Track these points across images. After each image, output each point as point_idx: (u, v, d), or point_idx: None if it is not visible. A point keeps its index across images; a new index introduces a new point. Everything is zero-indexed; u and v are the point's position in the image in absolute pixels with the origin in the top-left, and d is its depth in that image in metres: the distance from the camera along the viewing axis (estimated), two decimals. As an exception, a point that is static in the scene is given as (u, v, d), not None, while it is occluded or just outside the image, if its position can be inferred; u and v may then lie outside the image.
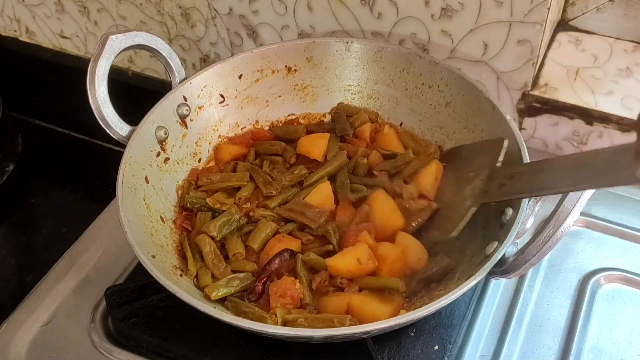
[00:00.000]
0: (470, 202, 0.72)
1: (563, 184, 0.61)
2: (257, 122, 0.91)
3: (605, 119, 0.85)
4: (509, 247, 0.64)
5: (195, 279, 0.74)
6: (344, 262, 0.72)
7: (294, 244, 0.76)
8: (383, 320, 0.61)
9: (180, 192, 0.83)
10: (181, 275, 0.73)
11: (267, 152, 0.86)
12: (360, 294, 0.71)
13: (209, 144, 0.88)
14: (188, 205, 0.81)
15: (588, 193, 0.60)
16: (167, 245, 0.76)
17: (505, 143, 0.72)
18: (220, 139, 0.88)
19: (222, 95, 0.87)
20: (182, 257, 0.77)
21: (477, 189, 0.72)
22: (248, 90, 0.89)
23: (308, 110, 0.91)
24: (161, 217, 0.78)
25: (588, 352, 0.72)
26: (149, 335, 0.75)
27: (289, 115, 0.91)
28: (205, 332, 0.74)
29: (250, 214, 0.80)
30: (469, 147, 0.80)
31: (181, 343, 0.74)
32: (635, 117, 0.83)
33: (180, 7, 0.98)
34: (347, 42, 0.87)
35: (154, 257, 0.70)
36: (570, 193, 0.60)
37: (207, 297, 0.72)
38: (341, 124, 0.87)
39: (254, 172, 0.83)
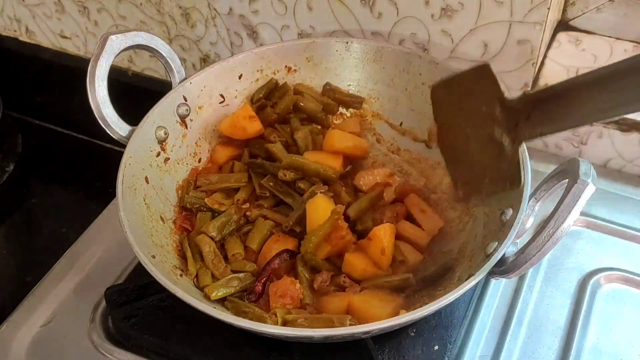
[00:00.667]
0: (510, 144, 0.66)
1: (607, 104, 0.54)
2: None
3: (605, 119, 0.85)
4: (509, 247, 0.64)
5: (195, 279, 0.74)
6: (362, 262, 0.73)
7: (291, 244, 0.76)
8: (383, 320, 0.61)
9: (180, 192, 0.83)
10: (181, 275, 0.73)
11: (261, 152, 0.86)
12: (360, 294, 0.71)
13: (209, 144, 0.88)
14: (187, 205, 0.81)
15: (588, 191, 0.60)
16: (167, 245, 0.76)
17: (492, 67, 0.67)
18: (220, 140, 0.88)
19: (222, 95, 0.87)
20: (182, 257, 0.77)
21: (504, 125, 0.66)
22: (248, 90, 0.89)
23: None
24: (161, 217, 0.78)
25: (588, 352, 0.72)
26: (149, 335, 0.75)
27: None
28: (205, 332, 0.74)
29: (247, 213, 0.80)
30: (455, 79, 0.74)
31: (181, 343, 0.74)
32: (635, 117, 0.83)
33: (180, 7, 0.98)
34: (347, 42, 0.87)
35: (154, 257, 0.70)
36: (571, 192, 0.60)
37: (207, 297, 0.72)
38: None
39: (253, 172, 0.83)
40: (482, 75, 0.69)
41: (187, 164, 0.85)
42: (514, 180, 0.68)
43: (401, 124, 0.88)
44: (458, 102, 0.73)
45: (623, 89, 0.53)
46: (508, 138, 0.67)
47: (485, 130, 0.69)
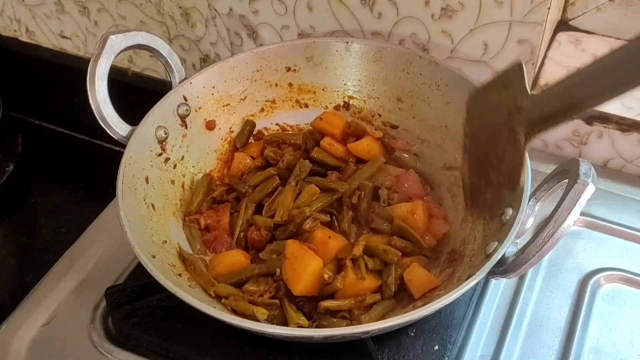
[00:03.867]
0: (522, 140, 0.65)
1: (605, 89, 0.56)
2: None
3: (605, 119, 0.85)
4: (509, 247, 0.64)
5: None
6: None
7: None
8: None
9: (184, 190, 0.83)
10: (180, 275, 0.73)
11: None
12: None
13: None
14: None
15: (588, 191, 0.60)
16: (167, 245, 0.76)
17: (523, 66, 0.67)
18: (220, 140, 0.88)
19: (222, 96, 0.87)
20: (182, 257, 0.77)
21: (522, 123, 0.65)
22: (248, 91, 0.88)
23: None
24: (161, 217, 0.78)
25: (588, 352, 0.72)
26: (149, 335, 0.75)
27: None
28: (205, 332, 0.74)
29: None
30: (485, 89, 0.73)
31: (181, 343, 0.74)
32: (635, 117, 0.83)
33: (180, 7, 0.98)
34: (347, 42, 0.87)
35: (154, 257, 0.70)
36: (571, 192, 0.60)
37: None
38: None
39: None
40: (512, 76, 0.68)
41: (187, 163, 0.85)
42: (512, 181, 0.68)
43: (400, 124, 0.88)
44: (483, 109, 0.73)
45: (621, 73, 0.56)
46: (522, 135, 0.66)
47: (504, 132, 0.68)
